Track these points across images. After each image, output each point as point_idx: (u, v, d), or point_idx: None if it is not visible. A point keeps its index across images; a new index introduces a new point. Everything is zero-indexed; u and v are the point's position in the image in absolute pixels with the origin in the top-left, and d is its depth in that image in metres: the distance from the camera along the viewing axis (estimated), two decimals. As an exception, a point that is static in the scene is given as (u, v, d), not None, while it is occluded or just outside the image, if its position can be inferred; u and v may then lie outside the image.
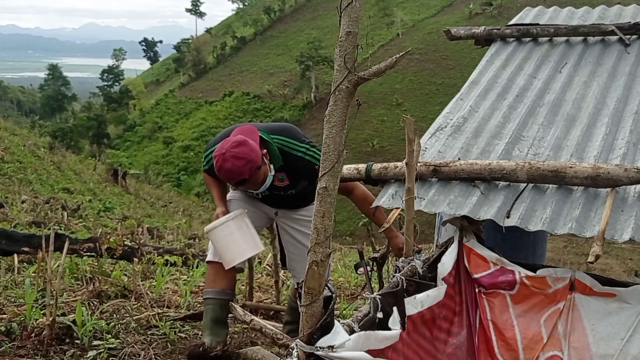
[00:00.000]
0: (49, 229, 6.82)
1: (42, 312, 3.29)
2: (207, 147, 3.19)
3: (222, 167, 2.86)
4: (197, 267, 5.42)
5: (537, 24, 4.24)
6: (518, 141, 3.16)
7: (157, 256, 5.51)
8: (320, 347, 1.73)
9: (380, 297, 2.18)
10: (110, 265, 5.24)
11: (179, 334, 3.50)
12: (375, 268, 3.36)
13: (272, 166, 2.99)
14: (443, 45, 65.97)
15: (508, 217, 2.62)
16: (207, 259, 3.25)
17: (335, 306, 1.96)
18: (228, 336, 3.28)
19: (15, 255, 4.80)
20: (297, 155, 3.04)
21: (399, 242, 3.19)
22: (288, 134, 3.09)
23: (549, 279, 2.66)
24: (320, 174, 1.66)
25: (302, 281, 1.73)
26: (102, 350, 3.07)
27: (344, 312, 4.22)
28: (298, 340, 1.75)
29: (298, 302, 1.75)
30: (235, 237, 3.08)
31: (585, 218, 2.57)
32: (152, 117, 77.68)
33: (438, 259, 2.71)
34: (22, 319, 3.27)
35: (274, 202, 3.29)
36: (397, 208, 2.84)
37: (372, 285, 3.36)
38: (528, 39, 4.17)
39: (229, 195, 3.35)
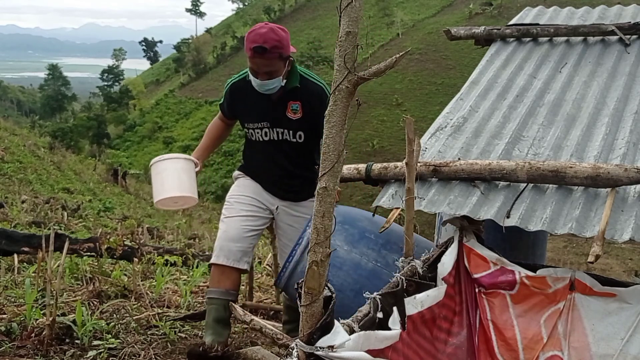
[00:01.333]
0: (49, 229, 6.80)
1: (42, 312, 3.29)
2: (229, 80, 3.28)
3: (256, 30, 2.91)
4: (197, 267, 5.41)
5: (537, 24, 4.25)
6: (518, 141, 3.16)
7: (157, 256, 5.50)
8: (320, 347, 1.73)
9: (380, 297, 2.18)
10: (110, 265, 5.23)
11: (179, 334, 3.49)
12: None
13: (285, 81, 3.04)
14: (443, 45, 65.93)
15: (508, 217, 2.62)
16: (212, 261, 3.22)
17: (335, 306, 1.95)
18: (229, 336, 3.28)
19: (15, 255, 4.79)
20: (316, 83, 3.13)
21: None
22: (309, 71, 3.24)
23: (549, 279, 2.66)
24: (320, 174, 1.66)
25: (302, 281, 1.73)
26: (102, 350, 3.06)
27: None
28: (298, 340, 1.74)
29: (298, 302, 1.75)
30: (165, 175, 3.11)
31: (585, 218, 2.57)
32: (152, 117, 77.65)
33: (438, 259, 2.71)
34: (22, 319, 3.26)
35: (279, 175, 3.25)
36: (397, 208, 2.84)
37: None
38: (528, 39, 4.17)
39: (237, 179, 3.38)
